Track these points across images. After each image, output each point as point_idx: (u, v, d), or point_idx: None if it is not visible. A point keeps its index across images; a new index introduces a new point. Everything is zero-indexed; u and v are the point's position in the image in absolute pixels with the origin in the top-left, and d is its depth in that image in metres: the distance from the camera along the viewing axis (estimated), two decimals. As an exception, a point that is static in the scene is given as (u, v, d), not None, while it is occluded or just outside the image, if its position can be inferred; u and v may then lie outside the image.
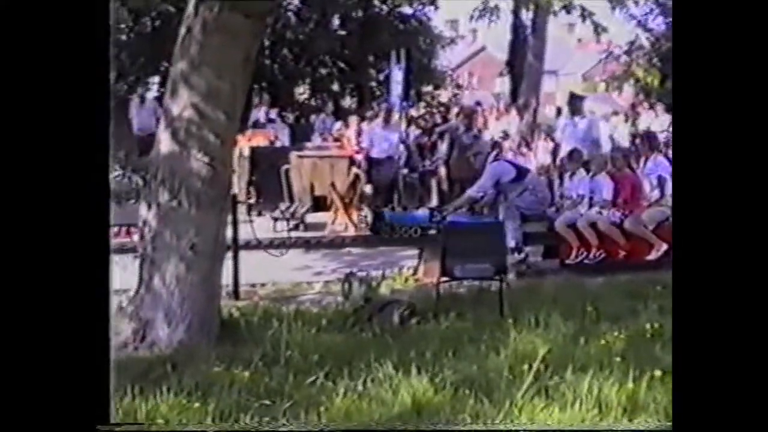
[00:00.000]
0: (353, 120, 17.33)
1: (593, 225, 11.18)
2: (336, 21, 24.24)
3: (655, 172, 11.62)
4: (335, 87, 24.28)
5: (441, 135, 16.04)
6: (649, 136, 12.70)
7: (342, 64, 24.02)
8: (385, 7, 23.95)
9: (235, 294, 9.61)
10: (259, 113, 19.22)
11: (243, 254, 9.97)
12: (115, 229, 13.12)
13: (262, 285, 10.38)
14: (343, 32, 24.02)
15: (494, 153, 12.62)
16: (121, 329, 7.63)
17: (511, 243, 10.81)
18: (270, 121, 18.96)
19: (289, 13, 23.11)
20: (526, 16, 22.97)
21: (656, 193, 11.54)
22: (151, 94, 21.78)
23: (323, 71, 24.24)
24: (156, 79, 22.52)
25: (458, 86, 27.05)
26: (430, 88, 24.52)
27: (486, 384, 6.56)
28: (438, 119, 19.62)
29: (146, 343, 7.51)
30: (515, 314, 8.22)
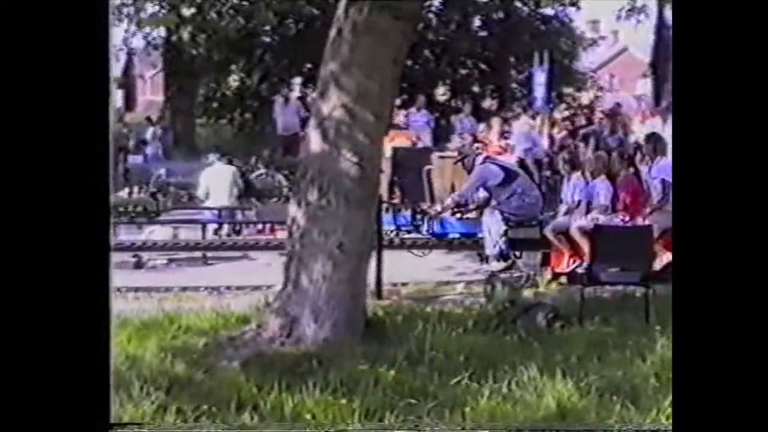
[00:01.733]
0: (496, 121, 17.25)
1: (587, 232, 10.21)
2: (477, 22, 24.21)
3: (660, 177, 10.53)
4: (475, 88, 24.24)
5: (585, 138, 15.84)
6: (654, 138, 11.42)
7: (482, 65, 23.97)
8: (526, 9, 23.81)
9: (378, 293, 9.67)
10: (401, 113, 19.32)
11: (385, 254, 10.03)
12: (259, 226, 13.45)
13: (404, 284, 10.41)
14: (483, 33, 23.97)
15: (483, 155, 11.44)
16: (267, 325, 7.80)
17: (492, 250, 10.48)
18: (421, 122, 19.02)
19: (431, 15, 23.19)
20: (671, 16, 22.47)
21: (661, 199, 10.47)
22: (295, 94, 22.17)
23: (463, 72, 24.24)
24: (299, 80, 22.91)
25: (600, 88, 26.66)
26: (571, 89, 24.25)
27: (631, 390, 6.45)
28: (581, 121, 19.36)
29: (292, 338, 7.62)
30: (662, 321, 8.04)
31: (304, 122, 20.67)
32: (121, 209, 13.27)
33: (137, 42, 23.36)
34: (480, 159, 11.01)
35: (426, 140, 18.12)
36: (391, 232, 11.23)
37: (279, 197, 15.89)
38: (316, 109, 7.94)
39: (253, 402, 6.29)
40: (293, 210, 7.92)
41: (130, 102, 40.70)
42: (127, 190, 14.43)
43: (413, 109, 19.34)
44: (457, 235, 11.18)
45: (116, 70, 44.03)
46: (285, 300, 7.84)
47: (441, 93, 24.40)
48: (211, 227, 13.39)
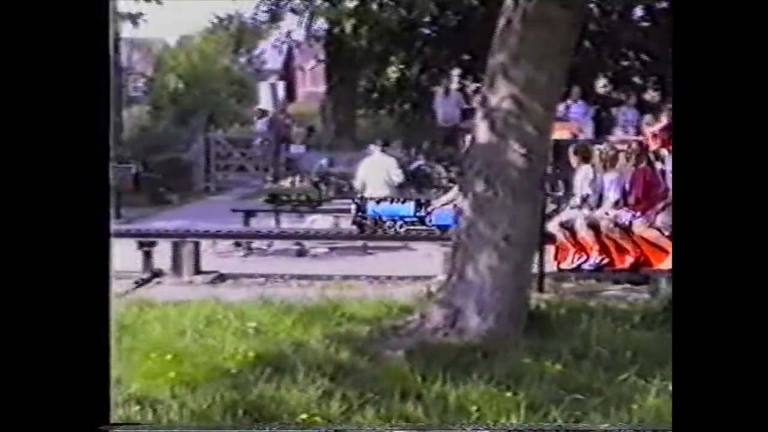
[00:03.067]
0: (663, 113, 16.78)
1: (594, 227, 10.08)
2: (639, 12, 23.65)
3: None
4: (637, 80, 23.70)
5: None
6: (669, 129, 10.93)
7: (645, 57, 23.41)
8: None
9: (540, 286, 9.56)
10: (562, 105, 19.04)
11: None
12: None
13: (565, 278, 10.27)
14: (646, 24, 23.40)
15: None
16: (431, 315, 7.82)
17: None
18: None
19: (592, 5, 22.78)
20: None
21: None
22: (454, 85, 22.16)
23: (625, 63, 23.74)
24: (458, 71, 22.89)
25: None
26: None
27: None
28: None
29: (456, 329, 7.62)
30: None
31: (464, 113, 20.72)
32: (284, 198, 13.53)
33: (296, 35, 23.68)
34: None
35: (587, 132, 17.83)
36: (395, 222, 11.32)
37: (438, 188, 15.95)
38: (483, 100, 7.91)
39: (417, 392, 6.31)
40: (460, 201, 7.92)
41: (291, 93, 41.59)
42: (289, 179, 14.69)
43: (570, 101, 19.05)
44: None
45: (277, 62, 45.04)
46: (449, 291, 7.85)
47: (602, 85, 23.95)
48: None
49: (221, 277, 10.77)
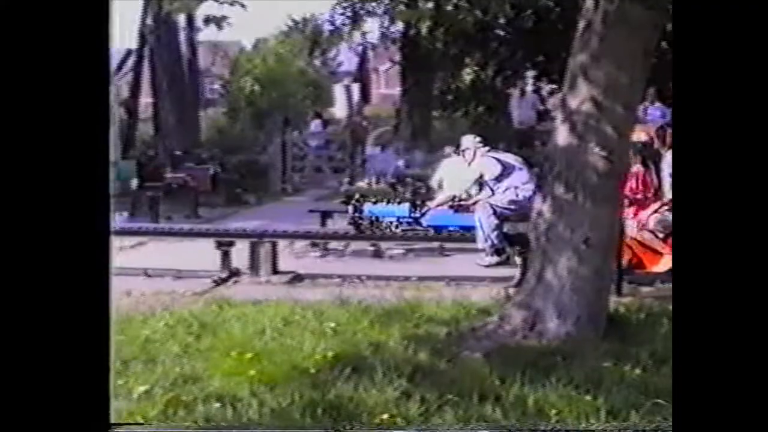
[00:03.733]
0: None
1: None
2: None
3: (669, 171, 9.97)
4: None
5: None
6: (665, 129, 10.80)
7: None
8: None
9: (618, 289, 9.45)
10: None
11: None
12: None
13: (642, 282, 10.13)
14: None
15: (485, 148, 10.99)
16: (510, 317, 7.79)
17: (484, 244, 10.29)
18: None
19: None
20: None
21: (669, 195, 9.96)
22: (528, 87, 22.06)
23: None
24: (533, 73, 22.77)
25: None
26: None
27: None
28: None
29: (534, 332, 7.58)
30: None
31: (539, 115, 20.61)
32: (361, 199, 13.58)
33: (371, 37, 23.72)
34: (480, 152, 10.83)
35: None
36: (391, 223, 11.38)
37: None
38: (563, 102, 7.85)
39: (495, 394, 6.28)
40: (539, 203, 7.86)
41: (365, 95, 41.79)
42: (366, 180, 14.75)
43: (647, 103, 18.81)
44: (456, 228, 11.01)
45: (352, 64, 45.27)
46: (528, 293, 7.81)
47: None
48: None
49: (298, 277, 10.85)
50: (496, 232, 10.28)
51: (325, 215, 13.31)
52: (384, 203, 11.80)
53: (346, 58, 43.61)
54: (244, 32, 69.32)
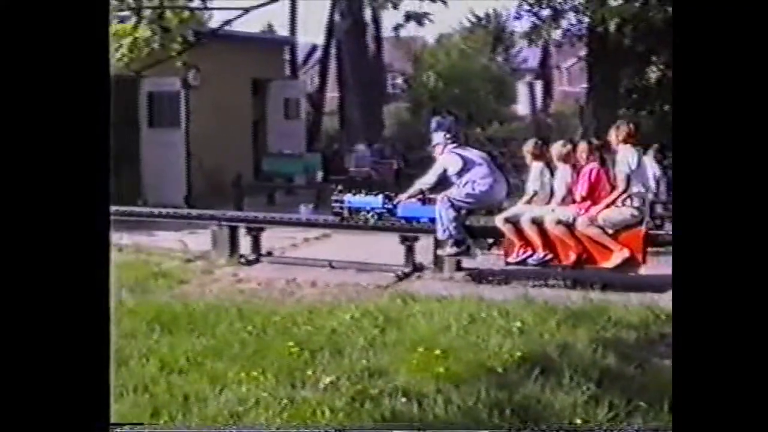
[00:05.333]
0: None
1: (538, 223, 10.22)
2: None
3: (620, 168, 9.98)
4: None
5: None
6: (617, 126, 10.43)
7: None
8: None
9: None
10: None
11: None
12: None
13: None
14: None
15: (453, 144, 11.28)
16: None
17: (443, 235, 10.77)
18: None
19: None
20: None
21: (620, 191, 9.94)
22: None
23: None
24: None
25: None
26: None
27: None
28: None
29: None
30: None
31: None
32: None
33: (554, 34, 23.41)
34: (448, 149, 11.21)
35: None
36: (367, 213, 11.58)
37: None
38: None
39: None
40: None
41: (548, 92, 41.36)
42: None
43: None
44: (426, 220, 11.17)
45: (533, 61, 44.89)
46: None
47: None
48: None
49: (481, 275, 10.79)
50: (454, 224, 10.73)
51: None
52: (362, 194, 12.10)
53: (529, 55, 43.30)
54: (427, 28, 69.78)
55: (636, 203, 9.94)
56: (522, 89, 33.47)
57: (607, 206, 10.01)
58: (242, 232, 12.23)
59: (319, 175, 19.91)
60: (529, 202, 10.72)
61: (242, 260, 11.93)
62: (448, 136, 11.48)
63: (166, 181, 16.97)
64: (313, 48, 41.50)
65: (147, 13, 7.89)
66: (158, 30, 7.65)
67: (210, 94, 17.89)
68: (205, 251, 12.19)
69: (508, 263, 10.62)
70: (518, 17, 21.15)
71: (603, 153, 10.46)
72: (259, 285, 10.56)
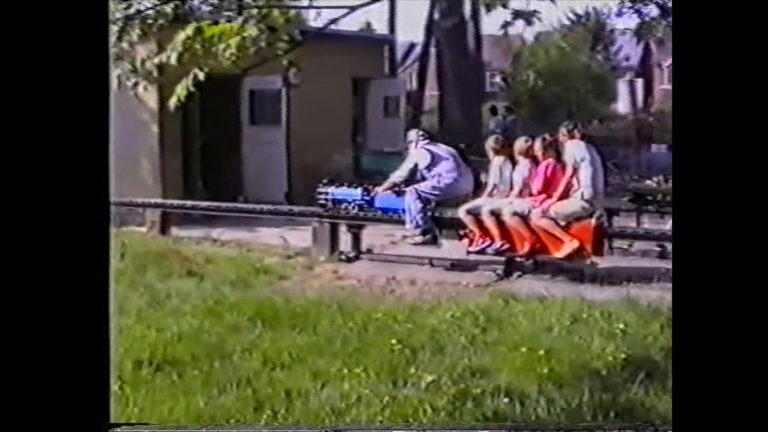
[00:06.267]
0: None
1: (496, 214, 10.83)
2: None
3: (570, 161, 10.63)
4: None
5: None
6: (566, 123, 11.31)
7: None
8: None
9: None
10: None
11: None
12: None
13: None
14: None
15: (425, 141, 12.04)
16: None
17: (410, 224, 11.51)
18: None
19: None
20: None
21: (572, 184, 10.62)
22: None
23: None
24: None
25: None
26: None
27: None
28: None
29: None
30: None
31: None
32: (649, 198, 13.22)
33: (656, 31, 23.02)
34: (420, 144, 11.91)
35: None
36: (348, 204, 12.14)
37: None
38: None
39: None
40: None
41: (648, 91, 40.70)
42: (654, 179, 14.30)
43: None
44: (401, 211, 11.70)
45: (634, 59, 44.23)
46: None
47: None
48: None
49: (582, 275, 10.68)
50: (421, 215, 11.45)
51: (610, 213, 13.03)
52: (345, 187, 12.50)
53: (630, 53, 42.67)
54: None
55: (587, 196, 10.45)
56: (622, 87, 32.94)
57: (559, 199, 10.59)
58: (342, 229, 12.33)
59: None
60: (489, 195, 11.29)
61: (342, 257, 12.02)
62: (420, 133, 12.41)
63: (267, 178, 17.16)
64: (411, 46, 41.57)
65: (253, 12, 7.97)
66: (265, 29, 7.72)
67: (310, 92, 18.02)
68: (305, 248, 12.31)
69: (468, 252, 11.19)
70: (620, 14, 20.85)
71: (558, 148, 10.95)
72: (359, 282, 10.62)
